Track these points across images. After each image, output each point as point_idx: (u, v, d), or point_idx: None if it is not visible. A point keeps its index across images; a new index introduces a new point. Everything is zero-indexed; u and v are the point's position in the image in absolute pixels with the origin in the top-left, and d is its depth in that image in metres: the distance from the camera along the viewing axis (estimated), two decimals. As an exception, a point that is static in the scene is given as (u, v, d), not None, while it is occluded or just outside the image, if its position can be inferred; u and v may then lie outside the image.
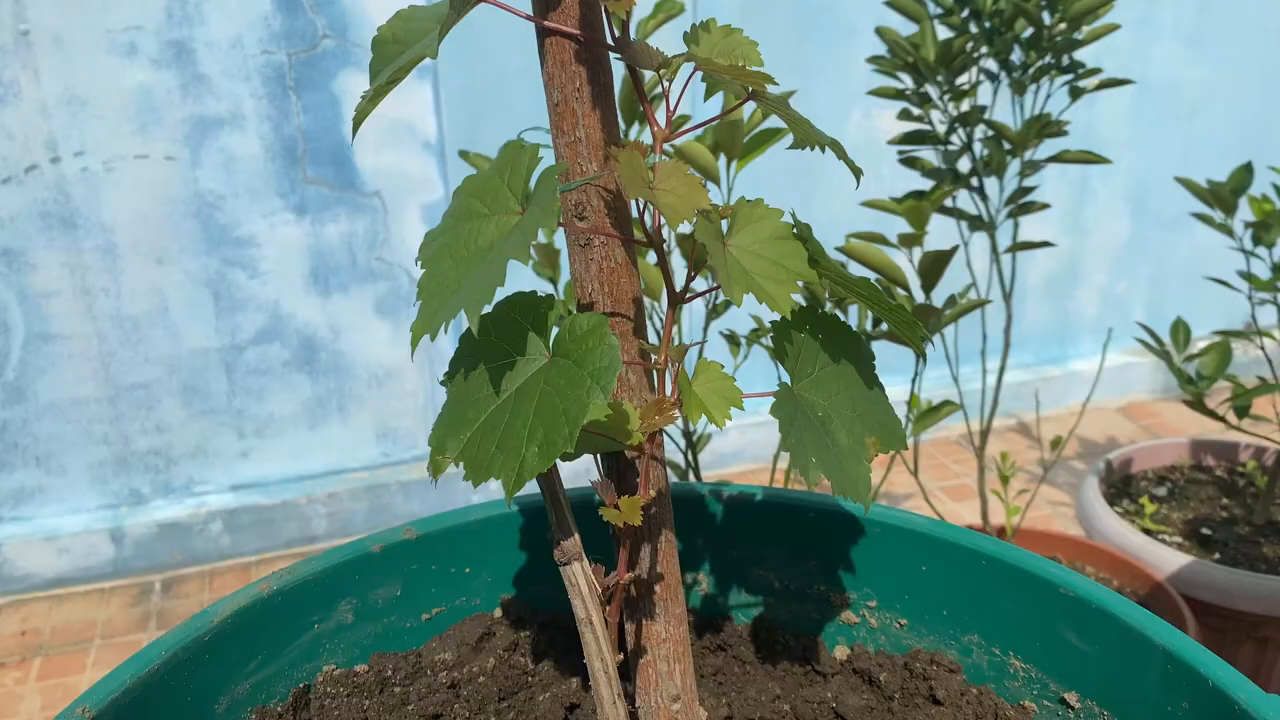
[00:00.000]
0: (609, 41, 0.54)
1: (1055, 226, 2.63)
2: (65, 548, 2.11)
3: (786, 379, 0.57)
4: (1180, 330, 1.48)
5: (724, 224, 0.52)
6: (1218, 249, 2.82)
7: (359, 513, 2.25)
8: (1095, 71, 1.22)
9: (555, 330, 0.54)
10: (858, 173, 0.54)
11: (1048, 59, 1.20)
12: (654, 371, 0.58)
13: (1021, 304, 2.70)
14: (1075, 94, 1.20)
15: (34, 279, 1.97)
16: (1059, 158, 1.23)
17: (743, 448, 2.52)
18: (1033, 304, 2.73)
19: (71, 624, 2.04)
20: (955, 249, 1.02)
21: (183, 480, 2.18)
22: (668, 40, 0.90)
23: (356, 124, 0.54)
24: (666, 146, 0.53)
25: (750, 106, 1.11)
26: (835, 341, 0.58)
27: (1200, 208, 2.57)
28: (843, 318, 0.79)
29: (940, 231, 2.21)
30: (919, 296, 2.29)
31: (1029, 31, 1.21)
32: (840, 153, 0.54)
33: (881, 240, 1.27)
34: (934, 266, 0.97)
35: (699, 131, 1.11)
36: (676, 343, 1.06)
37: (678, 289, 0.56)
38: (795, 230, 0.54)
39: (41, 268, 1.96)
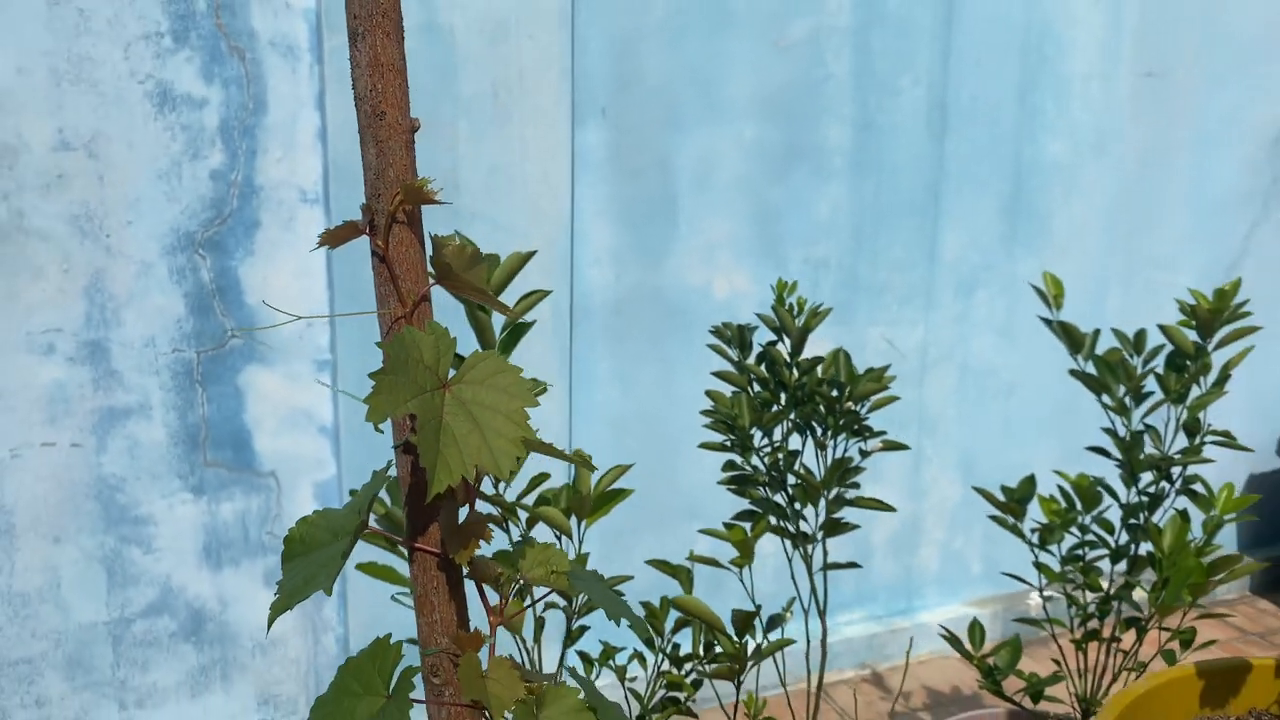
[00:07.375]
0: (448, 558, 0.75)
1: (897, 489, 2.92)
2: (-70, 828, 2.11)
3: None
4: (976, 631, 1.73)
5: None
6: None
7: (236, 781, 2.30)
8: (880, 433, 1.49)
9: None
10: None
11: (841, 422, 1.47)
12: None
13: (870, 559, 2.95)
14: (863, 455, 1.47)
15: (-70, 559, 2.05)
16: (855, 502, 1.48)
17: None
18: (880, 560, 2.99)
19: None
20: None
21: (59, 753, 2.21)
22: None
23: (271, 620, 0.73)
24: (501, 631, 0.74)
25: (597, 475, 1.34)
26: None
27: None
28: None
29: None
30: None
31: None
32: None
33: (714, 563, 1.50)
34: (745, 621, 1.19)
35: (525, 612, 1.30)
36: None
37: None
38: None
39: (-61, 549, 2.05)
